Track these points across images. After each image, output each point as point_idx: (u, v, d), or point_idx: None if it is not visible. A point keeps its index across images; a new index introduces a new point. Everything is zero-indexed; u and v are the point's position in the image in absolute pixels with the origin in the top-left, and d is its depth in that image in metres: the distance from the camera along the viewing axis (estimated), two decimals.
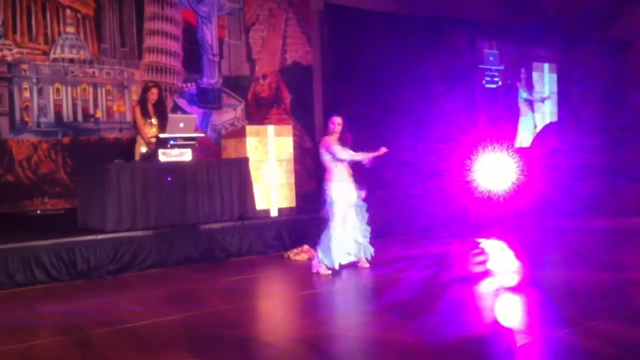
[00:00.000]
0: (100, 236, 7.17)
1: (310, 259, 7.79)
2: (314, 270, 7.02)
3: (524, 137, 15.41)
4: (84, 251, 6.96)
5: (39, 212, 9.00)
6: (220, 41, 11.00)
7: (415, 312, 5.29)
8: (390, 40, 12.49)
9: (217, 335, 4.85)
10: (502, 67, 14.92)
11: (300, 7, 11.96)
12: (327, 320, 5.30)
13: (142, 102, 8.23)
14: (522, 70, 15.43)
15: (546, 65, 15.99)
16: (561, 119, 16.16)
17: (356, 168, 7.20)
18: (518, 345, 4.42)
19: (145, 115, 8.14)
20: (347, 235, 6.94)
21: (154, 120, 8.18)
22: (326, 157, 7.01)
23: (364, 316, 5.48)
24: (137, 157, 8.13)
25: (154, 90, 8.25)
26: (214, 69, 10.90)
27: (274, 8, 11.64)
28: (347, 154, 6.90)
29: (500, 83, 14.88)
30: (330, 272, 6.92)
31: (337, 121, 7.02)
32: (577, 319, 4.89)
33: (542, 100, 15.86)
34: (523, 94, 15.45)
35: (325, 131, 7.19)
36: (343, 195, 6.95)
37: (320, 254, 7.02)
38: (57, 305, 5.95)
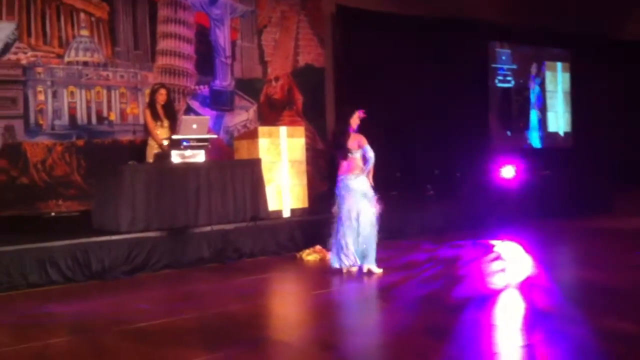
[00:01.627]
0: (114, 237, 7.20)
1: (322, 260, 7.81)
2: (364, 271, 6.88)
3: (536, 136, 15.36)
4: (98, 252, 7.00)
5: (53, 214, 9.07)
6: (233, 44, 11.05)
7: (428, 311, 5.29)
8: (402, 42, 12.52)
9: (230, 334, 4.87)
10: (514, 67, 14.89)
11: (312, 10, 11.99)
12: (340, 319, 5.31)
13: (152, 104, 8.27)
14: (535, 69, 15.39)
15: (559, 64, 15.95)
16: (574, 118, 16.11)
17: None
18: (527, 343, 4.42)
19: (156, 117, 8.18)
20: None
21: (164, 122, 8.22)
22: (357, 154, 6.88)
23: (377, 315, 5.49)
24: (148, 159, 8.17)
25: (163, 92, 8.28)
26: (226, 71, 10.95)
27: (286, 10, 11.69)
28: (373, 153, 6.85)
29: (513, 82, 14.84)
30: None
31: (361, 115, 6.91)
32: (590, 317, 4.89)
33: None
34: (536, 92, 15.40)
35: (344, 125, 6.97)
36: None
37: (373, 255, 6.87)
38: (72, 305, 5.99)
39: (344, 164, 6.92)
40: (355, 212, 6.84)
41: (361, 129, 6.96)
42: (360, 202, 6.85)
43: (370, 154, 6.80)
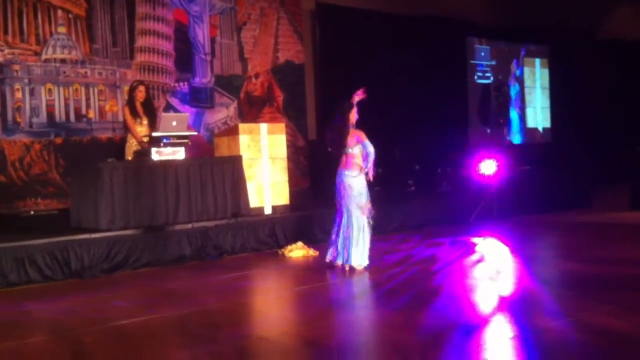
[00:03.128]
0: (93, 235, 7.15)
1: (305, 256, 7.81)
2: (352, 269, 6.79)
3: (516, 132, 15.46)
4: (78, 250, 6.95)
5: (32, 212, 9.00)
6: (212, 40, 11.02)
7: (411, 307, 5.30)
8: (382, 39, 12.55)
9: (211, 332, 4.85)
10: (493, 63, 14.97)
11: (292, 6, 11.99)
12: (322, 315, 5.30)
13: (131, 102, 8.22)
14: (515, 65, 15.48)
15: (537, 60, 16.06)
16: (553, 114, 16.24)
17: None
18: (511, 336, 4.45)
19: (135, 114, 8.14)
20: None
21: (144, 120, 8.17)
22: (355, 150, 6.75)
23: (360, 311, 5.49)
24: (127, 157, 8.12)
25: (141, 88, 8.24)
26: (206, 68, 10.91)
27: (265, 7, 11.67)
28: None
29: (492, 78, 14.93)
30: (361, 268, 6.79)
31: (362, 95, 6.77)
32: (569, 310, 4.93)
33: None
34: (515, 88, 15.50)
35: (342, 121, 6.78)
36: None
37: (356, 254, 6.76)
38: (51, 304, 5.94)
39: (343, 158, 6.80)
40: (346, 211, 6.82)
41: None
42: (352, 203, 6.79)
43: (370, 149, 6.67)
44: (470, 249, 7.97)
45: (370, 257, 6.88)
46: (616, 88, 16.59)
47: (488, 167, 10.61)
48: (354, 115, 6.80)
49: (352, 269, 6.78)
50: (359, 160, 6.76)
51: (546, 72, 16.20)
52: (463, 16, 13.97)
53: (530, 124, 15.85)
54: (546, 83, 16.21)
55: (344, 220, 6.82)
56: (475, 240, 8.56)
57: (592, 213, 11.04)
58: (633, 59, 16.91)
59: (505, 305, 5.32)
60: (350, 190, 6.76)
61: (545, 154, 14.74)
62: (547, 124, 16.21)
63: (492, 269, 6.69)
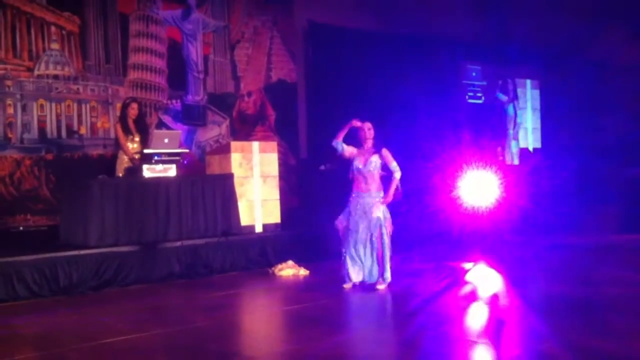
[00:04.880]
0: (82, 252, 7.12)
1: (295, 275, 7.78)
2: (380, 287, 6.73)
3: (510, 152, 15.48)
4: (66, 267, 6.91)
5: (21, 228, 8.94)
6: (206, 58, 11.04)
7: (400, 326, 5.29)
8: (374, 58, 12.59)
9: (198, 350, 4.82)
10: (484, 83, 15.03)
11: (285, 26, 12.05)
12: (311, 335, 5.28)
13: (123, 118, 8.22)
14: (509, 85, 15.51)
15: (528, 82, 16.14)
16: (544, 136, 16.29)
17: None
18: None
19: (127, 131, 8.13)
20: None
21: (136, 137, 8.17)
22: (376, 169, 6.78)
23: (349, 333, 5.47)
24: (119, 173, 8.10)
25: (134, 106, 8.24)
26: (199, 86, 10.93)
27: (258, 26, 11.72)
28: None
29: (483, 99, 14.98)
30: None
31: (368, 126, 6.85)
32: (556, 333, 4.92)
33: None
34: (510, 109, 15.52)
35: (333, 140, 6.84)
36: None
37: (385, 272, 6.74)
38: (38, 320, 5.90)
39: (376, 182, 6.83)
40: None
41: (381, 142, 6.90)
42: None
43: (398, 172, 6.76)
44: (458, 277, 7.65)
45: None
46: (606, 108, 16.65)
47: (480, 188, 10.55)
48: (364, 132, 6.82)
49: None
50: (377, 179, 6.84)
51: (537, 92, 16.27)
52: (455, 36, 14.05)
53: (521, 144, 15.87)
54: (537, 104, 16.28)
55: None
56: (465, 265, 8.39)
57: (581, 235, 11.04)
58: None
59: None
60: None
61: (535, 175, 14.74)
62: (538, 144, 16.24)
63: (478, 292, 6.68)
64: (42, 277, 6.79)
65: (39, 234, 8.73)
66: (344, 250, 6.84)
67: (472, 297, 6.41)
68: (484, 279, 7.44)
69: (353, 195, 6.83)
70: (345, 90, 11.84)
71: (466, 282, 7.21)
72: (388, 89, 12.66)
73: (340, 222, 6.90)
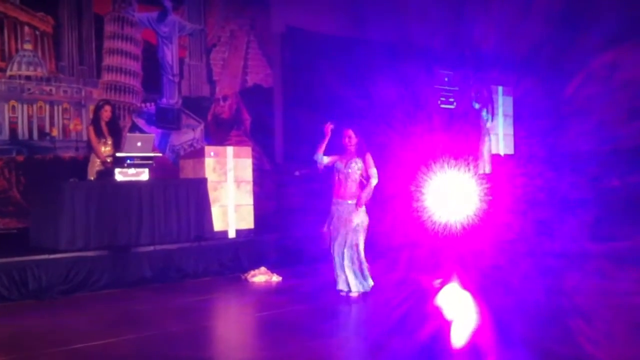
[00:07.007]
0: (52, 255, 7.03)
1: (268, 281, 7.76)
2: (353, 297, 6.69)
3: (483, 160, 15.59)
4: (36, 270, 6.82)
5: None
6: (181, 61, 10.99)
7: (371, 331, 5.30)
8: (349, 64, 12.62)
9: (169, 356, 4.78)
10: (456, 88, 15.14)
11: (262, 30, 12.03)
12: (283, 341, 5.26)
13: (96, 121, 8.15)
14: (484, 91, 15.62)
15: (500, 88, 16.27)
16: (516, 143, 16.42)
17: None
18: None
19: (100, 134, 8.06)
20: None
21: (108, 140, 8.09)
22: (358, 174, 6.79)
23: (320, 339, 5.46)
24: (90, 176, 8.02)
25: (107, 108, 8.17)
26: (173, 89, 10.87)
27: (235, 30, 11.69)
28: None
29: (455, 104, 15.08)
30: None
31: (349, 134, 6.83)
32: (528, 342, 4.96)
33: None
34: (485, 116, 15.62)
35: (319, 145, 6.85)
36: None
37: (356, 281, 6.70)
38: (7, 325, 5.81)
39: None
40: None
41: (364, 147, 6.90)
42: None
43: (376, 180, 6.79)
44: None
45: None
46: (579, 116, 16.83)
47: (454, 195, 10.58)
48: (348, 138, 6.83)
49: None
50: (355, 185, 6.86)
51: (509, 99, 16.39)
52: (428, 42, 14.13)
53: (492, 150, 15.99)
54: (509, 110, 16.38)
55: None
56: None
57: (553, 242, 11.12)
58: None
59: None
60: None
61: (507, 182, 14.85)
62: (510, 151, 16.35)
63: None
64: (11, 281, 6.69)
65: (8, 237, 8.60)
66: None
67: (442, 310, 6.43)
68: (452, 295, 7.39)
69: (333, 201, 6.87)
70: (320, 95, 11.85)
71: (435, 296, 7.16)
72: (362, 95, 12.70)
73: (325, 228, 6.94)
